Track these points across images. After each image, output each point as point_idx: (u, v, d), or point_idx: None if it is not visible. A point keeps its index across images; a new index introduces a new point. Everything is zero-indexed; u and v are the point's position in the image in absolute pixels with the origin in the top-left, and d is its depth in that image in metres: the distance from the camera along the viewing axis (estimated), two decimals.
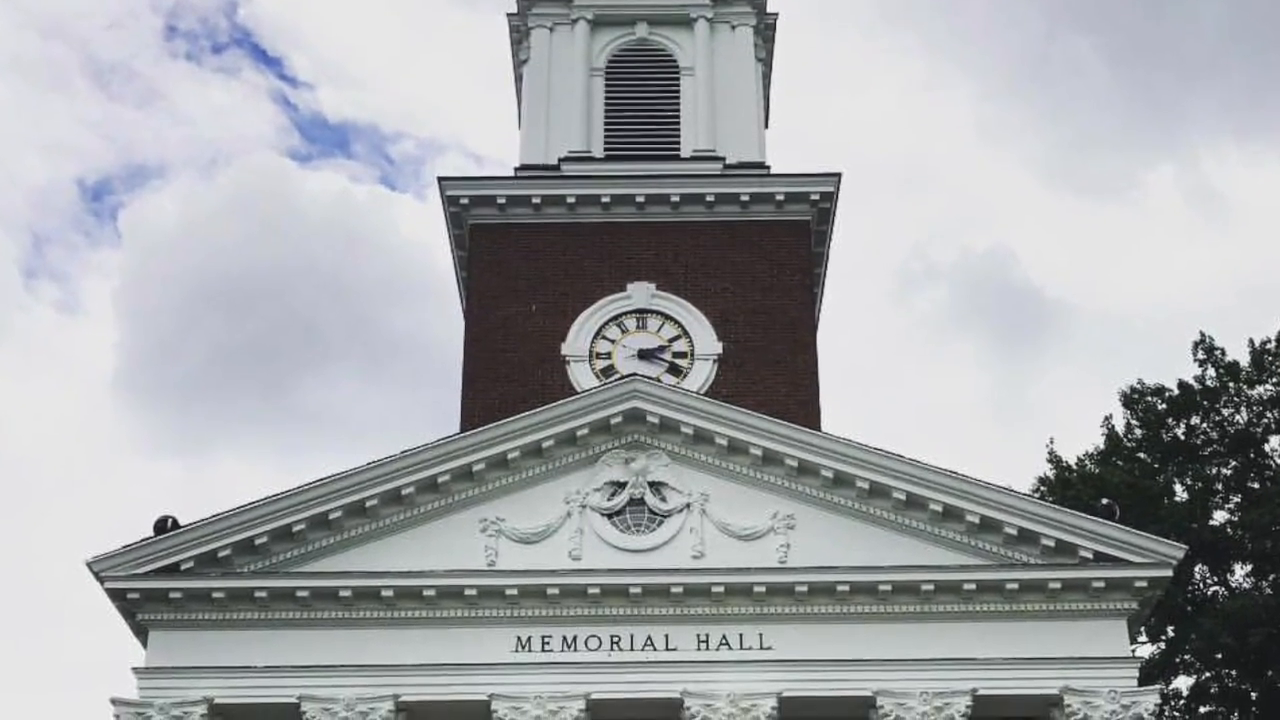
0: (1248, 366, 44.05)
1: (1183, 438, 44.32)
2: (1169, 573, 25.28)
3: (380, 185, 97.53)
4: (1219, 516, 42.72)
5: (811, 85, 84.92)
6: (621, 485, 26.18)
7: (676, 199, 31.78)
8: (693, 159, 33.14)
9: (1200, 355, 45.04)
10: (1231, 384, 44.10)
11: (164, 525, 25.34)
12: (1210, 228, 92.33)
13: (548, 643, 25.13)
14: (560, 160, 33.17)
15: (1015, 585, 25.05)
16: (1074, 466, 44.55)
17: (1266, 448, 43.35)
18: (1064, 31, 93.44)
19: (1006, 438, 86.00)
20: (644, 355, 30.25)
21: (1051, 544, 25.22)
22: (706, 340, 30.51)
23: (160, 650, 25.20)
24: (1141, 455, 44.55)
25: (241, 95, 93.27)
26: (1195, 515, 41.51)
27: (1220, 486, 43.29)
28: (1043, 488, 44.03)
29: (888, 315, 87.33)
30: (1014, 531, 25.31)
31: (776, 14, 36.20)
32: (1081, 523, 25.35)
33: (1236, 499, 42.91)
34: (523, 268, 31.56)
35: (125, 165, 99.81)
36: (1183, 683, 42.60)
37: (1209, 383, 44.44)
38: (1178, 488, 43.45)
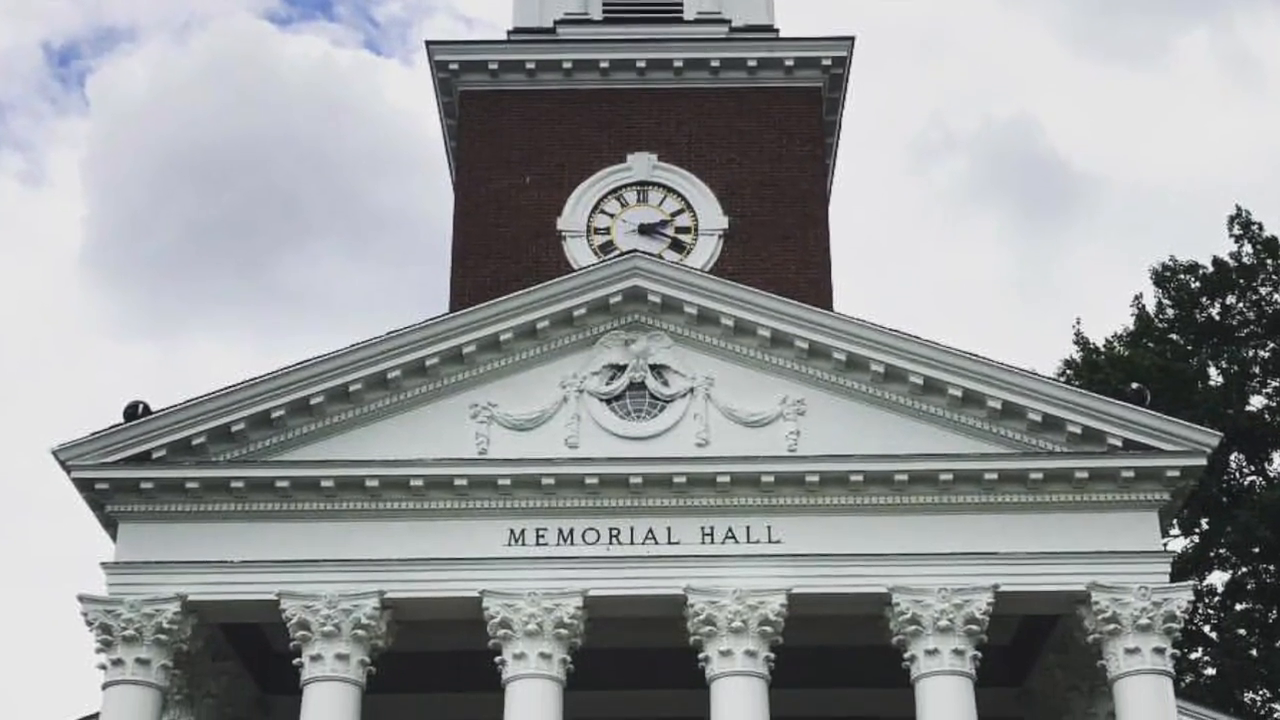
0: None
1: (1217, 318, 44.07)
2: (1203, 461, 24.93)
3: (364, 50, 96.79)
4: (1256, 402, 42.56)
5: None
6: (621, 369, 25.86)
7: (679, 64, 31.47)
8: (697, 21, 32.76)
9: (1236, 230, 44.72)
10: (1269, 261, 43.76)
11: (135, 411, 25.02)
12: (1246, 95, 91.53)
13: (542, 536, 24.89)
14: (556, 23, 32.85)
15: (1039, 475, 24.74)
16: (1102, 349, 44.39)
17: None
18: None
19: (1030, 319, 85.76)
20: (645, 230, 30.05)
21: (1078, 431, 24.85)
22: (711, 214, 30.24)
23: (130, 544, 24.93)
24: (1174, 337, 44.34)
25: None
26: (1231, 400, 41.32)
27: (1257, 370, 43.10)
28: (1069, 371, 43.91)
29: (904, 188, 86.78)
30: (1038, 418, 24.95)
31: None
32: (1110, 408, 24.96)
33: (1275, 383, 42.56)
34: (517, 137, 31.26)
35: (94, 28, 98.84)
36: (1217, 578, 42.58)
37: (1245, 260, 44.13)
38: (1212, 371, 43.26)
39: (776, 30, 32.88)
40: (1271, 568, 40.66)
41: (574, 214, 30.37)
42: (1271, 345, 42.82)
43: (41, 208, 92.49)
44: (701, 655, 24.22)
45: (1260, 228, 44.10)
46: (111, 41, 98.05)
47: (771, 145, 31.12)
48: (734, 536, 24.87)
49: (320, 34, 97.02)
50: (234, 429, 25.10)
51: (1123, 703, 23.80)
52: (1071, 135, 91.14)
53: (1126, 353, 43.23)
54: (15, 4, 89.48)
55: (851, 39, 32.01)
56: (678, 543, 24.82)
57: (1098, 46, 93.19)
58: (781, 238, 30.23)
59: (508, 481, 24.79)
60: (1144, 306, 45.14)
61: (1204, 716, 29.44)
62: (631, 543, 24.87)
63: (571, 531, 24.93)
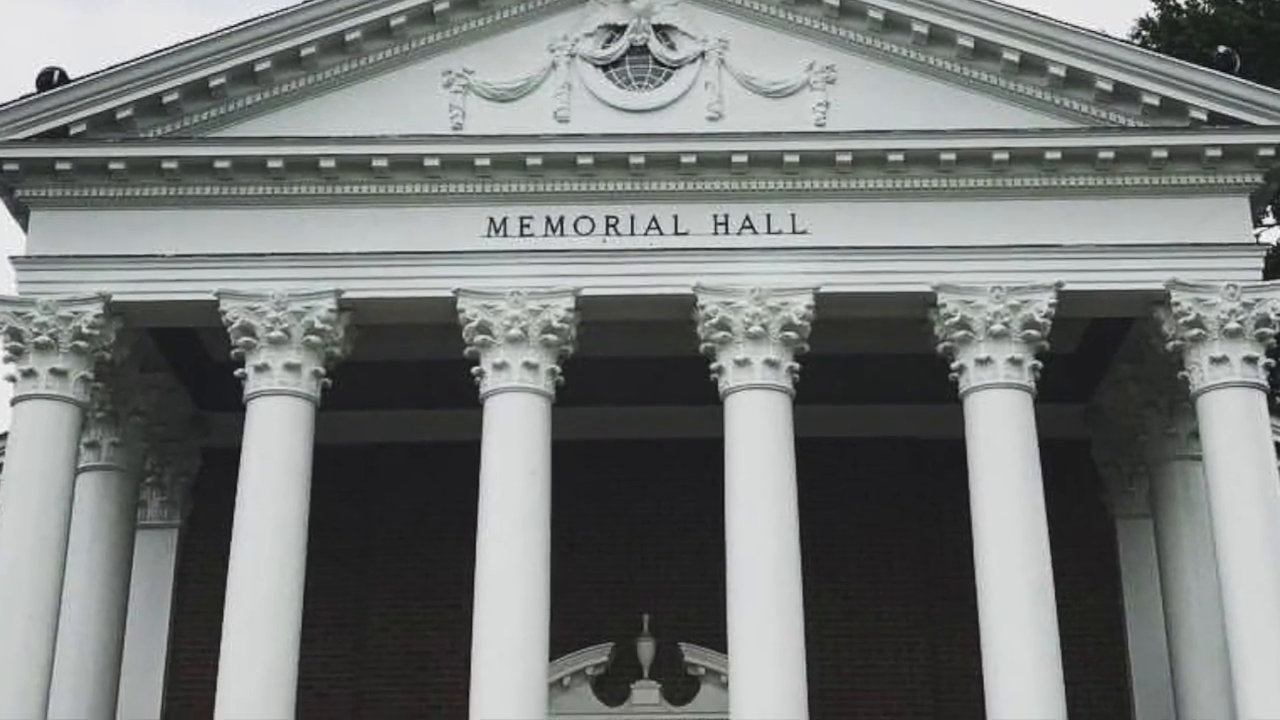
0: None
1: None
2: None
3: None
4: None
5: None
6: (620, 29, 24.92)
7: None
8: None
9: None
10: None
11: (50, 79, 24.22)
12: None
13: (528, 226, 24.12)
14: None
15: (1110, 154, 23.87)
16: (1184, 6, 43.14)
17: None
18: None
19: None
20: None
21: (1155, 102, 24.02)
22: None
23: (45, 235, 24.18)
24: None
25: None
26: None
27: None
28: (1145, 33, 43.07)
29: None
30: (1108, 86, 24.12)
31: None
32: (1193, 75, 24.08)
33: None
34: None
35: None
36: None
37: None
38: None
39: None
40: None
41: None
42: None
43: None
44: (714, 365, 23.51)
45: None
46: None
47: None
48: (752, 226, 24.09)
49: None
50: (166, 100, 24.29)
51: (1208, 420, 23.06)
52: None
53: (1213, 10, 42.40)
54: None
55: None
56: (686, 233, 24.06)
57: None
58: None
59: (487, 161, 24.00)
60: None
61: None
62: (632, 233, 24.11)
63: (561, 220, 24.17)
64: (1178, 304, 23.29)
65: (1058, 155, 23.86)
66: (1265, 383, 23.32)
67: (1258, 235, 24.91)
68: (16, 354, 23.45)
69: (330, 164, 23.96)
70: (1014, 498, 22.46)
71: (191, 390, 27.32)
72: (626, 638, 26.77)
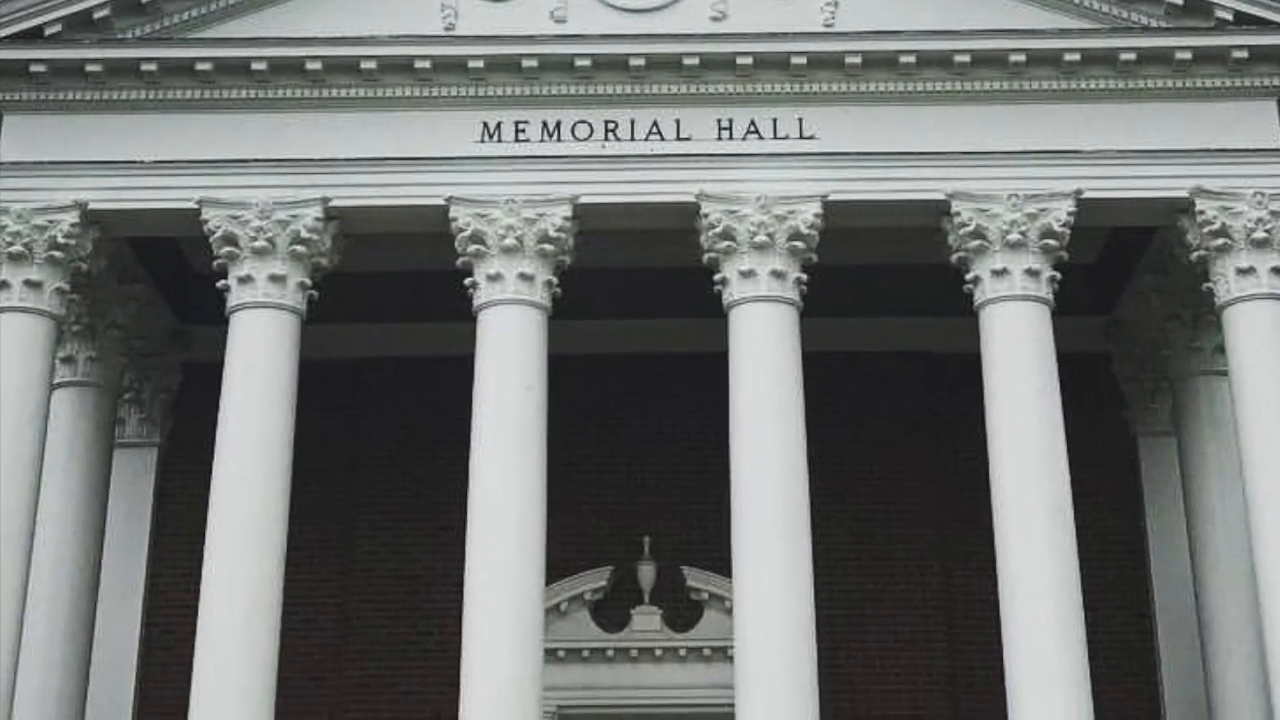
0: None
1: None
2: None
3: None
4: None
5: None
6: None
7: None
8: None
9: None
10: None
11: None
12: None
13: (523, 131, 23.92)
14: None
15: (1132, 55, 23.66)
16: None
17: None
18: None
19: None
20: None
21: (1179, 1, 23.75)
22: None
23: (19, 141, 23.90)
24: None
25: None
26: None
27: None
28: None
29: None
30: None
31: None
32: None
33: None
34: None
35: None
36: None
37: None
38: None
39: None
40: None
41: None
42: None
43: None
44: (718, 277, 23.38)
45: None
46: None
47: None
48: (757, 131, 23.90)
49: None
50: None
51: (1234, 333, 22.92)
52: None
53: None
54: None
55: None
56: (688, 138, 23.87)
57: None
58: None
59: (480, 64, 23.80)
60: None
61: None
62: (632, 139, 23.94)
63: (558, 125, 23.98)
64: (1202, 212, 23.12)
65: (1077, 57, 23.65)
66: None
67: None
68: None
69: (317, 66, 23.74)
70: (1031, 415, 22.27)
71: (172, 303, 27.19)
72: (626, 561, 26.71)
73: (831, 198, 23.26)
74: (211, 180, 23.49)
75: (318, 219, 23.26)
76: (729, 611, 23.49)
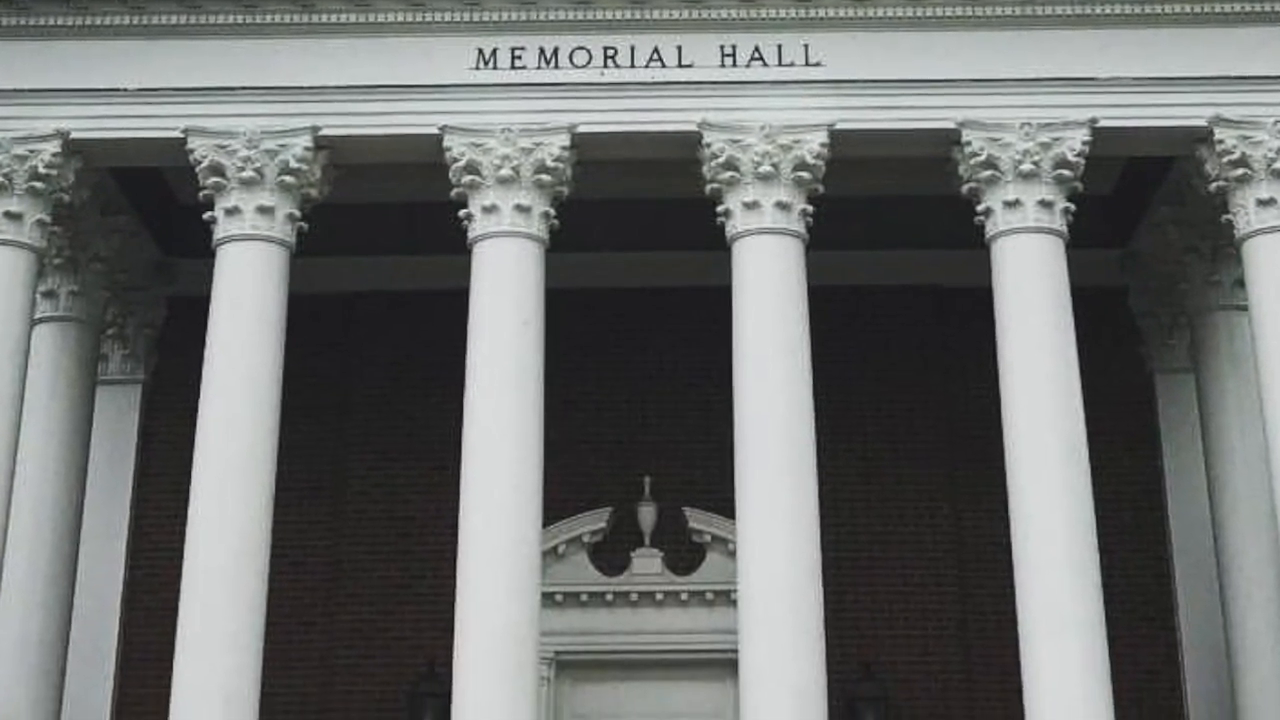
0: None
1: None
2: None
3: None
4: None
5: None
6: None
7: None
8: None
9: None
10: None
11: None
12: None
13: (519, 57, 23.64)
14: None
15: None
16: None
17: None
18: None
19: None
20: None
21: None
22: None
23: None
24: None
25: None
26: None
27: None
28: None
29: None
30: None
31: None
32: None
33: None
34: None
35: None
36: None
37: None
38: None
39: None
40: None
41: None
42: None
43: None
44: (721, 208, 23.09)
45: None
46: None
47: None
48: (762, 58, 23.60)
49: None
50: None
51: (1254, 266, 22.63)
52: None
53: None
54: None
55: None
56: (690, 65, 23.57)
57: None
58: None
59: None
60: None
61: None
62: (632, 65, 23.64)
63: (556, 51, 23.67)
64: (1221, 141, 22.80)
65: None
66: None
67: None
68: None
69: None
70: (1045, 350, 22.06)
71: (156, 235, 27.02)
72: (626, 502, 26.64)
73: (838, 127, 23.01)
74: (197, 109, 23.24)
75: (307, 148, 23.02)
76: (732, 554, 23.24)
